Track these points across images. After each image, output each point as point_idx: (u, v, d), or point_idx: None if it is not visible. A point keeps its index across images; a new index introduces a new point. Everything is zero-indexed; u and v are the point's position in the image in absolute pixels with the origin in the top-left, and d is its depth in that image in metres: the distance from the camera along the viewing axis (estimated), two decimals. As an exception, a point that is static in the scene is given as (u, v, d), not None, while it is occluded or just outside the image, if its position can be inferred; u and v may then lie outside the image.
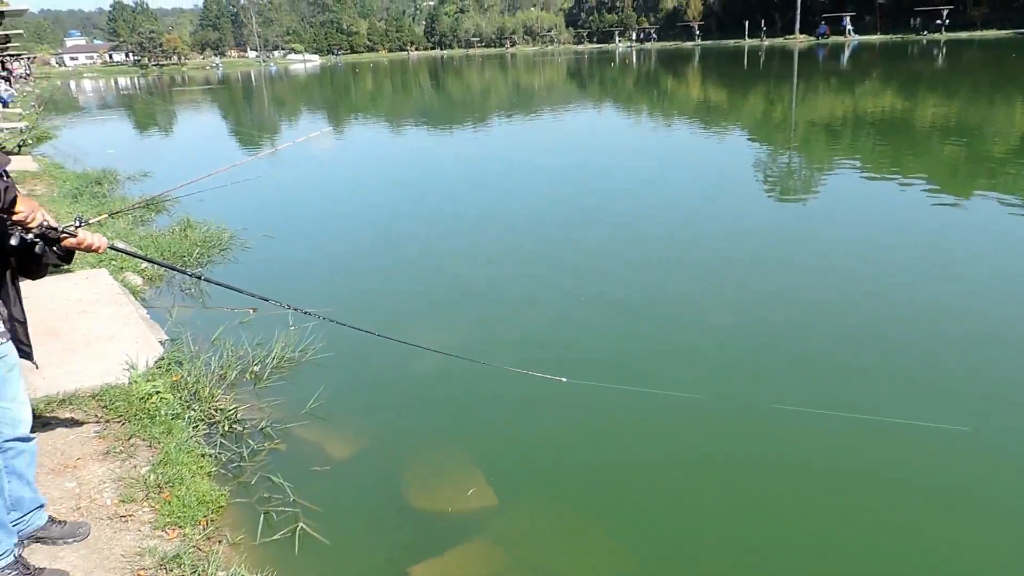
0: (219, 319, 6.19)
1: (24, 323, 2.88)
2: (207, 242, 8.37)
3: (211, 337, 5.74)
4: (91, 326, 5.45)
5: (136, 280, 7.10)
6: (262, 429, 4.45)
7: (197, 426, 4.33)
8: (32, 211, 2.62)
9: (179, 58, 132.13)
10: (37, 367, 3.13)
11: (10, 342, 2.80)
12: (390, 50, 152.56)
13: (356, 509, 3.89)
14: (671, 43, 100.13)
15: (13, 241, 2.62)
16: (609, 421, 4.61)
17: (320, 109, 38.32)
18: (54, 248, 2.78)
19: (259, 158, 7.27)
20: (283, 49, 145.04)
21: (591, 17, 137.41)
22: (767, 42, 77.23)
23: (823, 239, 8.48)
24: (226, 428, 4.41)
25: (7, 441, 2.86)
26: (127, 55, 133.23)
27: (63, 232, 2.74)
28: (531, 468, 4.22)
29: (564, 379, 4.46)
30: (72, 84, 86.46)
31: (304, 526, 3.59)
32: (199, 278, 3.55)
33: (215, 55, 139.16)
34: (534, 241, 8.83)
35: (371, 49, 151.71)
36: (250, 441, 4.32)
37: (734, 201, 10.58)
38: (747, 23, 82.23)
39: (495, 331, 6.18)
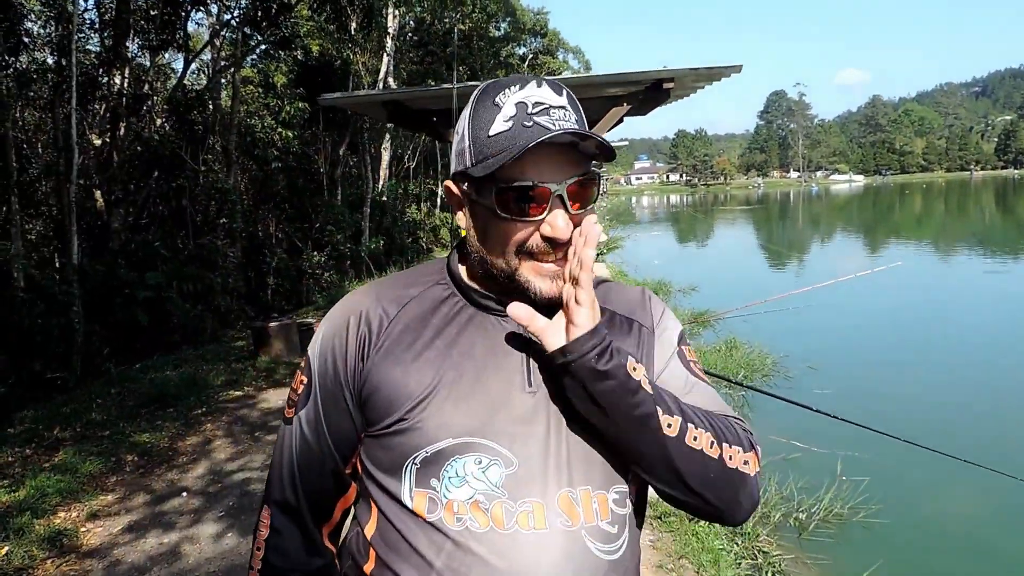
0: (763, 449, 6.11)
1: None
2: (751, 364, 8.47)
3: (754, 468, 5.68)
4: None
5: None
6: (808, 589, 4.14)
7: (740, 563, 4.24)
8: None
9: (725, 178, 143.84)
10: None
11: None
12: (948, 170, 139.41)
13: None
14: None
15: None
16: None
17: (856, 231, 36.64)
18: None
19: (808, 291, 7.12)
20: (827, 169, 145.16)
21: None
22: None
23: None
24: (768, 574, 4.22)
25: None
26: (681, 175, 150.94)
27: None
28: None
29: None
30: (633, 200, 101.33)
31: None
32: (808, 408, 3.51)
33: (758, 175, 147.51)
34: None
35: (925, 169, 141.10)
36: (794, 599, 4.05)
37: None
38: None
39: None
